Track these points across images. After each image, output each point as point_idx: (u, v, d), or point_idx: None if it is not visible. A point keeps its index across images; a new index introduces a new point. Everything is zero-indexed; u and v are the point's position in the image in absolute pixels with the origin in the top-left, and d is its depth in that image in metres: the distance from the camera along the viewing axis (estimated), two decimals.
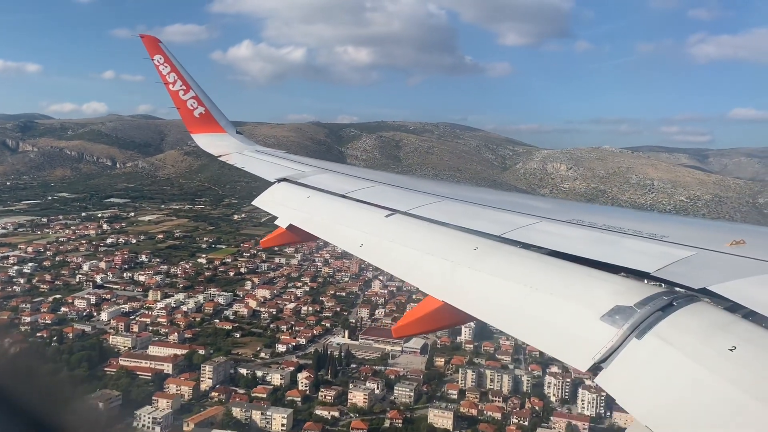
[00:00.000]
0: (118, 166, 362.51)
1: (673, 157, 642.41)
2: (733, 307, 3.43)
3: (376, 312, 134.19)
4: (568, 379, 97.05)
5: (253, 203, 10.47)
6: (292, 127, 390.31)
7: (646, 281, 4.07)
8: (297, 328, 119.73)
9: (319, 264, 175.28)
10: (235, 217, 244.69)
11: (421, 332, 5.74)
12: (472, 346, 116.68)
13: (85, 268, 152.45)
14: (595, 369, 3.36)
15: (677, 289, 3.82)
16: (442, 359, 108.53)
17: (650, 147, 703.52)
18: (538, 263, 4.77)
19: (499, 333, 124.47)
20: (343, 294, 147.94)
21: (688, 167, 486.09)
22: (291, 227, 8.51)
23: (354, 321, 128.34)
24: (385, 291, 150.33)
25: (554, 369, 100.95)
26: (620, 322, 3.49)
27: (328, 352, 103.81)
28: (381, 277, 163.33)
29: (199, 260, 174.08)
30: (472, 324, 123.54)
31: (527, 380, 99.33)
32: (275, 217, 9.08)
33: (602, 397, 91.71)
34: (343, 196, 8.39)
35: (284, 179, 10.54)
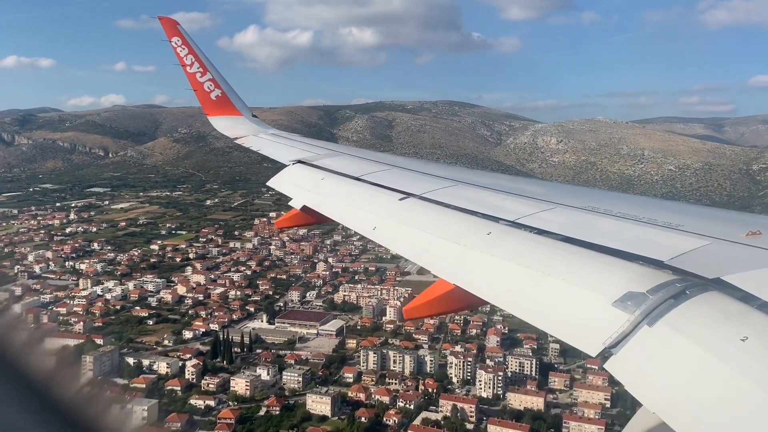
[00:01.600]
0: (110, 155, 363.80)
1: (688, 127, 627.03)
2: (746, 298, 3.36)
3: (308, 295, 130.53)
4: (470, 359, 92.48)
5: (267, 184, 10.50)
6: (283, 110, 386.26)
7: (659, 269, 3.93)
8: (216, 314, 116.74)
9: (273, 247, 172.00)
10: (208, 202, 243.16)
11: (431, 314, 5.46)
12: (392, 326, 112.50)
13: (30, 258, 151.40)
14: (606, 354, 3.37)
15: (690, 277, 3.71)
16: (355, 341, 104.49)
17: (665, 118, 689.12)
18: (551, 249, 4.72)
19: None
20: (284, 277, 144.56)
21: (697, 137, 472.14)
22: (305, 209, 8.49)
23: (282, 304, 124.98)
24: (327, 273, 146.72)
25: (457, 348, 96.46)
26: (632, 309, 3.50)
27: (226, 338, 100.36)
28: (330, 259, 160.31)
29: (152, 247, 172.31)
30: (397, 303, 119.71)
31: (430, 361, 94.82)
32: (285, 198, 9.04)
33: (499, 377, 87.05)
34: (357, 179, 8.36)
35: (299, 161, 10.50)
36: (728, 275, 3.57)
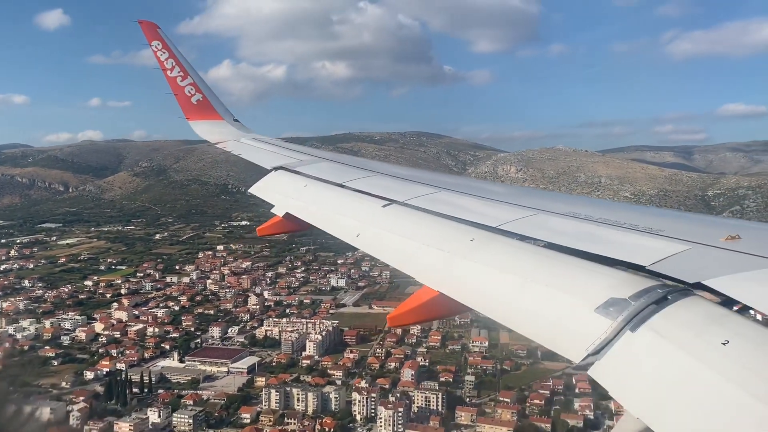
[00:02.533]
0: (70, 190, 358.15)
1: (658, 155, 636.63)
2: (726, 302, 3.43)
3: (230, 330, 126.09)
4: (373, 395, 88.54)
5: (249, 191, 10.25)
6: None
7: (641, 274, 3.98)
8: (127, 352, 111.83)
9: (210, 281, 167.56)
10: (157, 236, 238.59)
11: (415, 322, 5.56)
12: (309, 361, 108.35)
13: None
14: (589, 361, 3.40)
15: (672, 282, 3.77)
16: (264, 378, 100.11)
17: (637, 147, 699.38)
18: (534, 255, 4.74)
19: (347, 346, 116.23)
20: (212, 312, 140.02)
21: (667, 165, 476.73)
22: (287, 216, 8.41)
23: (200, 341, 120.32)
24: (258, 307, 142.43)
25: (362, 384, 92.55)
26: (614, 314, 3.52)
27: (123, 378, 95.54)
28: (266, 293, 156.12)
29: (86, 283, 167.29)
30: (319, 337, 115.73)
31: (335, 398, 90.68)
32: (271, 206, 8.98)
33: (399, 413, 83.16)
34: (340, 186, 8.33)
35: (281, 167, 10.36)
36: (708, 279, 3.61)
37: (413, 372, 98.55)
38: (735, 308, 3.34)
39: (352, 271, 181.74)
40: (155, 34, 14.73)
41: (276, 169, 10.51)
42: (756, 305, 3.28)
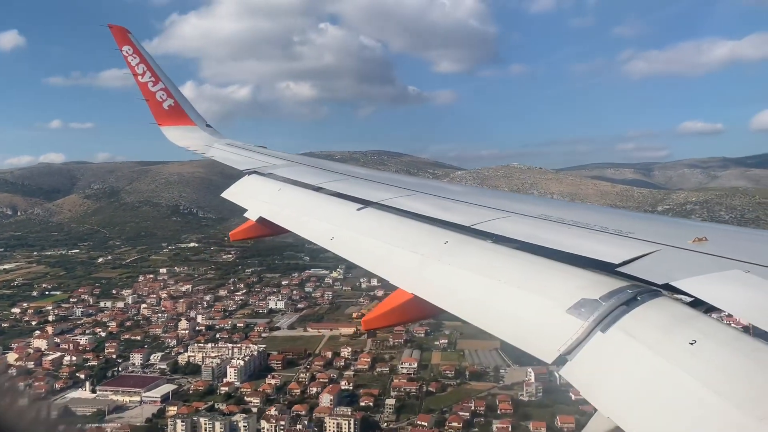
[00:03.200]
0: (18, 214, 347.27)
1: (619, 172, 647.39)
2: (694, 303, 3.53)
3: (152, 357, 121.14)
4: (282, 422, 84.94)
5: (222, 195, 10.12)
6: (201, 163, 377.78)
7: (611, 276, 4.07)
8: (37, 383, 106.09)
9: (145, 305, 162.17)
10: (100, 260, 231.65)
11: (390, 325, 5.45)
12: (228, 388, 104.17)
13: None
14: (561, 361, 3.45)
15: (641, 283, 3.85)
16: (176, 408, 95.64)
17: (598, 164, 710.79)
18: (507, 257, 4.83)
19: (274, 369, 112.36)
20: (139, 338, 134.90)
21: (626, 182, 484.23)
22: (261, 220, 8.36)
23: (119, 369, 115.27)
24: (187, 332, 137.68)
25: (272, 412, 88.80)
26: (586, 315, 3.59)
27: None
28: (200, 317, 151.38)
29: (14, 310, 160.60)
30: (241, 362, 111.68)
31: (245, 427, 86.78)
32: (243, 209, 8.91)
33: None
34: (315, 189, 8.38)
35: (254, 171, 10.31)
36: (677, 281, 3.71)
37: (332, 397, 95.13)
38: (702, 309, 3.41)
39: (294, 292, 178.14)
40: (126, 38, 14.45)
41: (249, 173, 10.36)
42: (722, 306, 3.36)
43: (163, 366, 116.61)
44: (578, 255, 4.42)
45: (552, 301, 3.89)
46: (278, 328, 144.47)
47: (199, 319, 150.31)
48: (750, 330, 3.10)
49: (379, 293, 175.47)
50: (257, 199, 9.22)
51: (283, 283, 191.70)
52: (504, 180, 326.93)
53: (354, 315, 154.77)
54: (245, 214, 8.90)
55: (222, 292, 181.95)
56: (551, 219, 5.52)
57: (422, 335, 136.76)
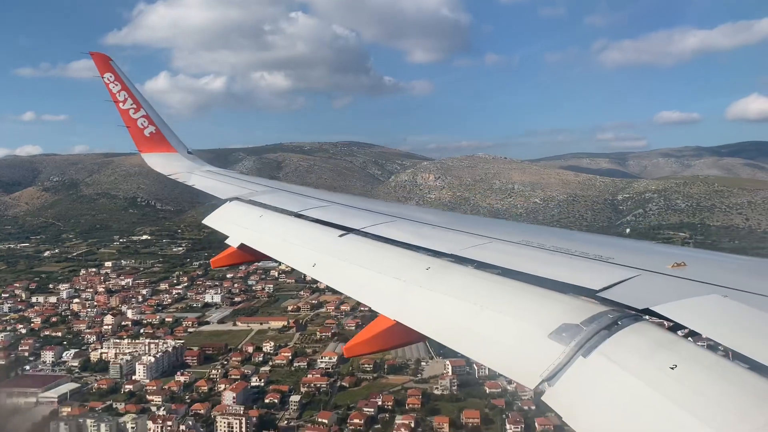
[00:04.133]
0: None
1: (594, 161, 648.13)
2: (674, 327, 3.58)
3: (64, 354, 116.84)
4: (169, 423, 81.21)
5: (203, 222, 10.16)
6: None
7: (592, 301, 4.11)
8: None
9: (77, 300, 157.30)
10: (46, 253, 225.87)
11: (372, 351, 5.43)
12: (133, 386, 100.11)
13: None
14: (543, 386, 3.46)
15: (622, 308, 3.89)
16: (70, 408, 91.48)
17: (574, 154, 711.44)
18: (489, 282, 4.87)
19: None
20: (59, 335, 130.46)
21: (601, 171, 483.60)
22: (242, 246, 8.39)
23: (27, 368, 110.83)
24: (110, 326, 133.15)
25: (161, 412, 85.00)
26: (567, 340, 3.60)
27: None
28: (130, 311, 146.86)
29: None
30: (151, 359, 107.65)
31: (132, 428, 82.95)
32: (225, 236, 8.94)
33: None
34: (297, 215, 8.48)
35: (236, 198, 10.44)
36: (657, 305, 3.74)
37: (234, 395, 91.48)
38: (682, 333, 3.44)
39: (236, 285, 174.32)
40: (107, 66, 14.51)
41: (231, 200, 10.39)
42: (702, 330, 3.36)
43: (75, 363, 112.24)
44: (559, 281, 4.43)
45: (534, 327, 3.89)
46: (207, 323, 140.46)
47: (129, 313, 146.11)
48: (729, 354, 3.12)
49: (322, 285, 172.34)
50: (238, 225, 9.17)
51: (228, 276, 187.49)
52: (468, 170, 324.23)
53: (289, 308, 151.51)
54: (226, 241, 8.81)
55: (162, 286, 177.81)
56: (532, 245, 5.53)
57: (353, 328, 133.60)
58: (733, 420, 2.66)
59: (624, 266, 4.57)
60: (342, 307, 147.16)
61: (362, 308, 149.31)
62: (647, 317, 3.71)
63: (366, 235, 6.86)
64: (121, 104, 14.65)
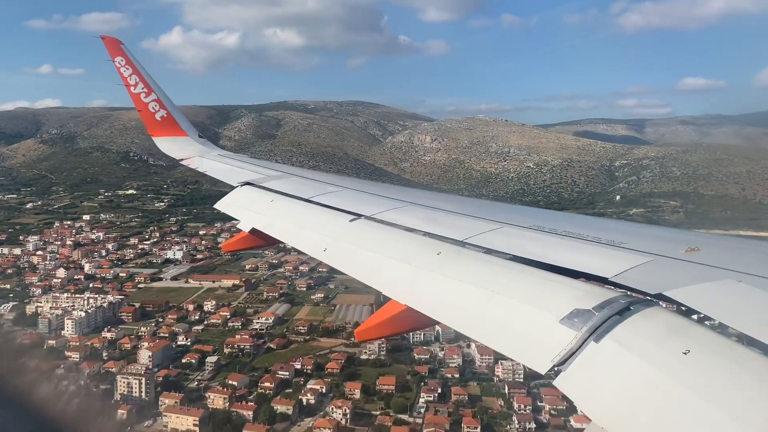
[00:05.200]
0: None
1: (610, 128, 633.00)
2: (687, 312, 3.56)
3: (2, 307, 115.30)
4: (65, 381, 78.76)
5: (215, 207, 10.27)
6: None
7: (604, 286, 4.11)
8: None
9: (40, 253, 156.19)
10: (29, 205, 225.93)
11: (383, 336, 5.48)
12: (55, 342, 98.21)
13: None
14: (555, 371, 3.47)
15: (634, 293, 3.88)
16: None
17: (591, 120, 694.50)
18: (500, 268, 4.84)
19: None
20: (8, 287, 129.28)
21: (618, 138, 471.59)
22: (254, 231, 8.44)
23: None
24: (61, 279, 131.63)
25: (61, 369, 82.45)
26: (579, 325, 3.59)
27: None
28: (88, 265, 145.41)
29: None
30: (81, 314, 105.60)
31: None
32: (236, 220, 9.06)
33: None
34: (308, 201, 8.41)
35: (247, 183, 10.44)
36: (670, 290, 3.74)
37: (150, 354, 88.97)
38: (695, 318, 3.41)
39: (203, 242, 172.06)
40: (118, 49, 14.56)
41: (242, 184, 10.41)
42: (715, 315, 3.35)
43: (10, 317, 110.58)
44: (571, 266, 4.43)
45: (545, 312, 3.86)
46: (160, 279, 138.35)
47: (87, 267, 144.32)
48: (743, 340, 3.11)
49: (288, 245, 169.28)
50: (250, 210, 9.16)
51: (201, 233, 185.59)
52: (466, 132, 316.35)
53: (247, 266, 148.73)
54: (238, 225, 8.87)
55: (132, 241, 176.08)
56: (544, 230, 5.50)
57: (304, 289, 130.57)
58: (747, 405, 2.63)
59: (637, 251, 4.53)
60: (301, 267, 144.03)
61: (321, 269, 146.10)
62: (660, 302, 3.65)
63: (377, 220, 6.78)
64: (132, 88, 14.51)
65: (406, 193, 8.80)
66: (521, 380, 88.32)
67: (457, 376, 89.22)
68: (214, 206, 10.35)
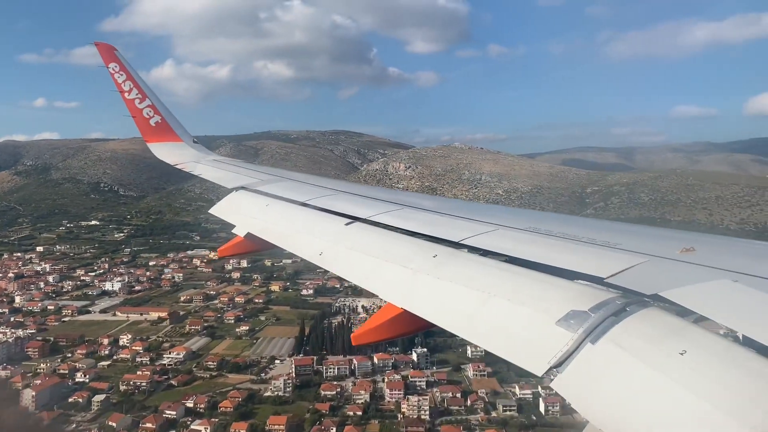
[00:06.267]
0: None
1: (600, 156, 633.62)
2: (683, 313, 3.56)
3: None
4: None
5: (210, 211, 10.14)
6: (140, 140, 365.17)
7: (600, 287, 4.08)
8: None
9: None
10: None
11: (380, 340, 5.41)
12: None
13: None
14: (551, 373, 3.46)
15: (630, 294, 3.87)
16: None
17: (581, 148, 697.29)
18: (496, 270, 4.84)
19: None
20: None
21: (608, 165, 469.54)
22: (249, 236, 8.38)
23: None
24: None
25: None
26: (575, 327, 3.59)
27: None
28: (18, 298, 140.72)
29: None
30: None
31: None
32: (232, 225, 8.94)
33: None
34: (303, 204, 8.44)
35: (242, 187, 10.44)
36: (665, 291, 3.72)
37: (34, 393, 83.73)
38: (692, 319, 3.42)
39: (148, 273, 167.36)
40: (112, 56, 14.56)
41: (237, 189, 10.38)
42: (711, 315, 3.36)
43: None
44: (567, 267, 4.42)
45: (541, 314, 3.87)
46: (88, 312, 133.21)
47: (17, 300, 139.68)
48: (740, 339, 3.12)
49: (236, 275, 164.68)
50: (245, 214, 9.05)
51: (151, 263, 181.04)
52: (440, 160, 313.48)
53: (182, 298, 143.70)
54: (233, 230, 8.69)
55: (79, 272, 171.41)
56: (539, 231, 5.49)
57: (232, 321, 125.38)
58: (744, 405, 2.64)
59: (632, 252, 4.52)
60: (237, 299, 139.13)
61: (257, 300, 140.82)
62: (656, 303, 3.62)
63: (373, 223, 6.76)
64: (126, 94, 14.57)
65: (401, 196, 8.69)
66: (427, 416, 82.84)
67: (359, 413, 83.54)
68: (209, 211, 10.13)
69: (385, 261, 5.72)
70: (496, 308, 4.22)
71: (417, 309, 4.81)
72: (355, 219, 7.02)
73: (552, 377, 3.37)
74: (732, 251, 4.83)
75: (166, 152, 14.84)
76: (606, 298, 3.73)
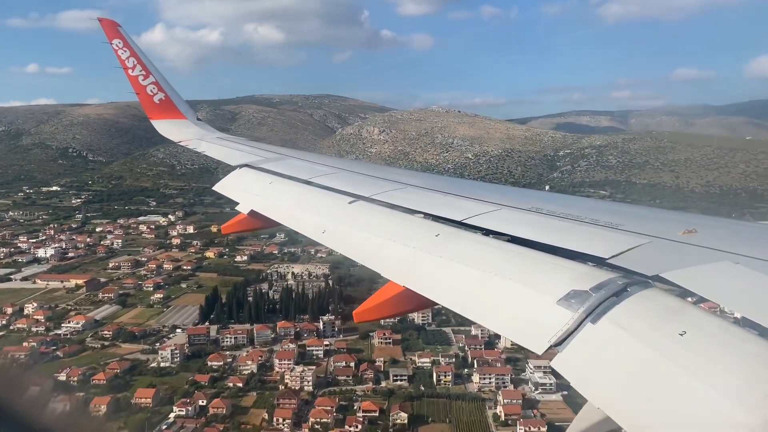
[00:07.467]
0: None
1: (594, 119, 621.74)
2: (684, 294, 3.59)
3: None
4: None
5: (213, 188, 10.18)
6: (116, 105, 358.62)
7: (602, 267, 4.12)
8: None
9: None
10: None
11: (381, 317, 5.47)
12: None
13: None
14: (551, 352, 3.49)
15: (631, 275, 3.88)
16: None
17: (577, 112, 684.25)
18: (498, 249, 4.86)
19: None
20: None
21: (600, 129, 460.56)
22: (252, 213, 8.41)
23: None
24: None
25: None
26: (576, 306, 3.61)
27: None
28: None
29: None
30: None
31: None
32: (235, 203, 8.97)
33: None
34: (306, 182, 8.44)
35: (246, 165, 10.44)
36: (667, 272, 3.74)
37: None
38: (692, 300, 3.43)
39: (89, 239, 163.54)
40: (116, 32, 14.34)
41: (240, 166, 10.40)
42: (712, 297, 3.39)
43: None
44: (569, 247, 4.45)
45: (543, 293, 3.88)
46: (10, 279, 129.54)
47: None
48: (739, 321, 3.13)
49: (176, 242, 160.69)
50: (248, 192, 9.15)
51: (98, 230, 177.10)
52: (415, 123, 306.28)
53: (111, 264, 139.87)
54: (237, 207, 8.73)
55: (21, 239, 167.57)
56: (542, 212, 5.50)
57: (150, 288, 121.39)
58: (742, 386, 2.66)
59: (634, 233, 4.54)
60: (165, 266, 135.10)
61: (185, 267, 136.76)
62: (657, 284, 3.64)
63: (375, 202, 6.78)
64: (130, 71, 14.33)
65: (404, 174, 8.73)
66: (310, 387, 79.00)
67: (240, 385, 79.71)
68: (213, 188, 10.04)
69: (387, 239, 5.68)
70: (497, 287, 4.22)
71: (419, 287, 4.80)
72: (358, 197, 6.97)
73: (552, 356, 3.35)
74: (734, 233, 4.79)
75: (169, 129, 14.78)
76: (607, 279, 3.71)
